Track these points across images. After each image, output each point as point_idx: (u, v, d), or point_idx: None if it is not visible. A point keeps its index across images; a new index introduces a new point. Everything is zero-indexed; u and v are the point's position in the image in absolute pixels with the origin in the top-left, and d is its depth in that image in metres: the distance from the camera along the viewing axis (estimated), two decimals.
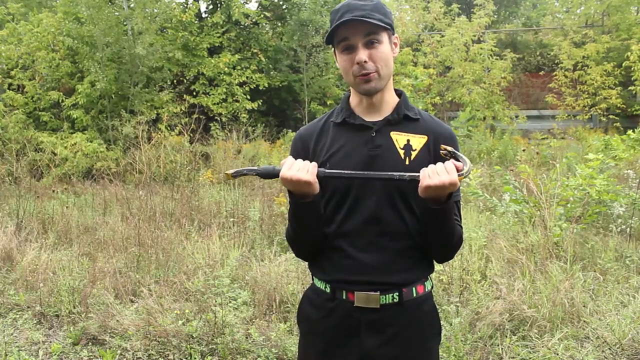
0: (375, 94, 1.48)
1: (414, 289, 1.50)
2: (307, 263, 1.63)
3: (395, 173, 1.38)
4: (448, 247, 1.48)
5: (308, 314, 1.60)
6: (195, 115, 10.76)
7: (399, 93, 1.56)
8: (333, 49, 1.51)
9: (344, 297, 1.49)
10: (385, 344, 1.49)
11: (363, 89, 1.46)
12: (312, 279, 1.60)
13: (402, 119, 1.50)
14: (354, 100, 1.55)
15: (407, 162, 1.46)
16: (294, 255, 4.60)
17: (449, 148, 1.42)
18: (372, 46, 1.42)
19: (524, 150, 8.68)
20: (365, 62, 1.41)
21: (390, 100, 1.52)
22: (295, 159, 1.47)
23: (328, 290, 1.53)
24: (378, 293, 1.47)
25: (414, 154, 1.47)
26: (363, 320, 1.48)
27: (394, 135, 1.49)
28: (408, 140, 1.48)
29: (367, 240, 1.47)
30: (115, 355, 3.27)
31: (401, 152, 1.47)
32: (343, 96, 1.59)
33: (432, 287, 1.59)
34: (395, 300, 1.48)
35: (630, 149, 8.26)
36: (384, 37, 1.44)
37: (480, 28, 14.45)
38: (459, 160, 1.36)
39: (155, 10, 12.28)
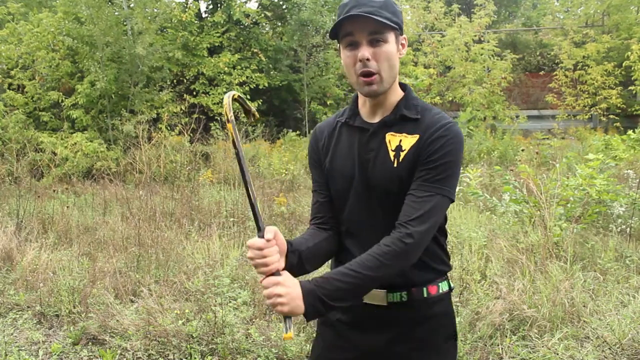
0: (378, 96, 1.44)
1: (424, 289, 1.47)
2: None
3: None
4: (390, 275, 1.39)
5: (327, 317, 1.58)
6: (195, 115, 10.77)
7: (404, 88, 1.50)
8: (338, 44, 1.47)
9: None
10: (392, 342, 1.47)
11: (364, 90, 1.41)
12: None
13: (399, 119, 1.44)
14: (360, 99, 1.52)
15: (395, 165, 1.41)
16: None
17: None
18: (376, 44, 1.38)
19: (522, 150, 8.68)
20: (367, 59, 1.37)
21: (394, 100, 1.47)
22: (310, 155, 1.57)
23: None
24: (385, 291, 1.45)
25: (402, 154, 1.41)
26: (371, 316, 1.48)
27: (389, 136, 1.44)
28: (400, 141, 1.43)
29: (372, 242, 1.43)
30: (115, 355, 3.27)
31: (392, 154, 1.42)
32: (354, 94, 1.56)
33: (449, 289, 1.53)
34: (403, 299, 1.46)
35: (630, 149, 8.27)
36: (390, 36, 1.39)
37: (481, 28, 14.45)
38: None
39: (155, 10, 12.28)
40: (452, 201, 1.42)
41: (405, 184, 1.40)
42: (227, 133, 11.29)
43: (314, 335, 1.71)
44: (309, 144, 1.62)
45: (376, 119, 1.48)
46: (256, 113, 1.48)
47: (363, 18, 1.35)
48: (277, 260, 1.31)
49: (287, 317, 1.30)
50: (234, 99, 1.37)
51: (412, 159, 1.40)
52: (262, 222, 1.33)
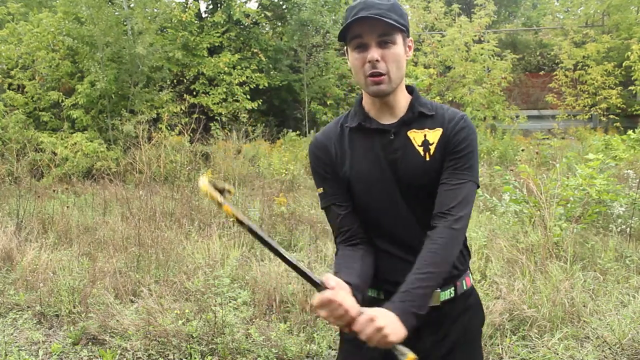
0: (386, 97, 1.45)
1: (464, 282, 1.51)
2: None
3: None
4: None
5: None
6: (195, 115, 10.77)
7: (410, 90, 1.53)
8: (345, 46, 1.48)
9: None
10: (442, 340, 1.48)
11: (372, 90, 1.43)
12: None
13: (417, 116, 1.48)
14: (367, 102, 1.51)
15: (427, 158, 1.45)
16: (294, 255, 4.62)
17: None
18: (385, 46, 1.39)
19: (522, 150, 8.68)
20: (377, 61, 1.38)
21: (402, 100, 1.49)
22: (318, 169, 1.50)
23: (381, 296, 1.48)
24: (439, 290, 1.45)
25: (432, 148, 1.45)
26: (424, 320, 1.40)
27: (411, 134, 1.47)
28: (425, 136, 1.46)
29: (408, 238, 1.45)
30: (115, 355, 3.27)
31: (420, 149, 1.45)
32: (356, 99, 1.55)
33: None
34: (451, 295, 1.48)
35: (630, 149, 8.27)
36: (398, 38, 1.41)
37: (481, 28, 14.44)
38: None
39: (156, 10, 12.27)
40: (479, 187, 1.48)
41: (438, 176, 1.44)
42: (227, 133, 11.32)
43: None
44: (314, 160, 1.54)
45: (390, 120, 1.48)
46: (231, 189, 1.32)
47: (372, 20, 1.37)
48: (353, 302, 1.26)
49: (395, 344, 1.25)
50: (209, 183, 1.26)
51: (441, 150, 1.45)
52: (316, 276, 1.26)
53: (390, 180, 1.45)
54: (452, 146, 1.44)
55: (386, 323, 1.23)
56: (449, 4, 15.65)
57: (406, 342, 1.40)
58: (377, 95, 1.44)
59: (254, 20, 14.05)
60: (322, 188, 1.52)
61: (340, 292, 1.24)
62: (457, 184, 1.42)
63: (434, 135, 1.46)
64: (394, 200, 1.46)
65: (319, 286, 1.24)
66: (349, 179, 1.49)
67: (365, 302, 1.41)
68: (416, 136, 1.46)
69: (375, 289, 1.51)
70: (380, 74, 1.40)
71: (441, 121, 1.47)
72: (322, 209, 1.56)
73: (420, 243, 1.43)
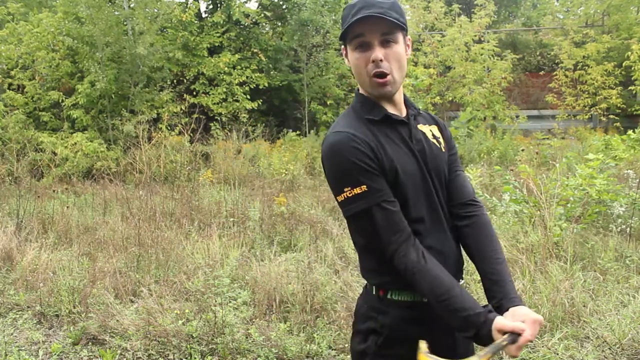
0: (391, 97, 1.46)
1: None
2: (356, 278, 1.57)
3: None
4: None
5: (404, 334, 1.44)
6: (195, 115, 10.77)
7: None
8: (344, 45, 1.46)
9: None
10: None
11: (378, 91, 1.41)
12: (387, 295, 1.47)
13: (417, 113, 1.54)
14: (371, 96, 1.47)
15: (443, 150, 1.53)
16: (294, 255, 4.62)
17: None
18: (387, 45, 1.38)
19: (522, 150, 8.68)
20: (381, 60, 1.37)
21: (401, 97, 1.51)
22: (363, 165, 1.36)
23: (425, 299, 1.42)
24: (462, 282, 1.57)
25: (442, 141, 1.54)
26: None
27: (421, 127, 1.52)
28: (431, 130, 1.54)
29: (433, 225, 1.46)
30: (115, 355, 3.27)
31: (434, 141, 1.52)
32: (357, 93, 1.50)
33: None
34: (465, 281, 1.56)
35: (630, 149, 8.27)
36: (400, 37, 1.41)
37: (481, 28, 14.44)
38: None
39: (156, 11, 12.28)
40: None
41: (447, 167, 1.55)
42: (227, 133, 11.32)
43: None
44: (356, 156, 1.36)
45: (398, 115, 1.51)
46: (422, 343, 1.34)
47: (375, 19, 1.35)
48: (517, 321, 1.36)
49: None
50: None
51: (446, 144, 1.57)
52: (506, 336, 1.33)
53: (424, 170, 1.46)
54: (449, 141, 1.57)
55: (538, 315, 1.36)
56: (449, 4, 15.65)
57: (442, 340, 1.44)
58: (384, 97, 1.44)
59: (253, 20, 14.05)
60: (364, 186, 1.36)
61: (523, 326, 1.33)
62: (464, 175, 1.57)
63: (436, 131, 1.55)
64: (430, 191, 1.46)
65: (514, 337, 1.33)
66: (396, 171, 1.40)
67: (401, 307, 1.44)
68: (424, 130, 1.52)
69: (412, 290, 1.42)
70: (384, 74, 1.39)
71: (433, 119, 1.60)
72: (357, 212, 1.39)
73: (445, 233, 1.49)
